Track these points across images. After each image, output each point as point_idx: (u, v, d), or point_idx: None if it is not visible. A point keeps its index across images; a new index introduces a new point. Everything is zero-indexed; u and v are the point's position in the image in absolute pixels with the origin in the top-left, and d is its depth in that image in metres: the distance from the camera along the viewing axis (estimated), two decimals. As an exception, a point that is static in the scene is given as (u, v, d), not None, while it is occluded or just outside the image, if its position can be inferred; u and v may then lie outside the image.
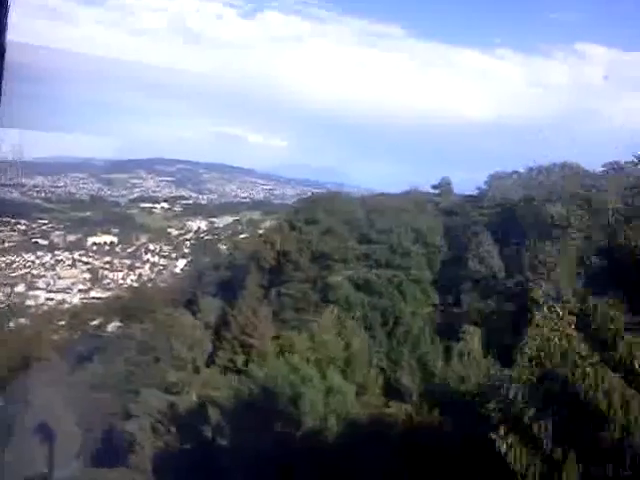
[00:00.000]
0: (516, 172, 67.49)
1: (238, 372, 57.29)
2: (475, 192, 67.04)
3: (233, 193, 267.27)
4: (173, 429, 51.93)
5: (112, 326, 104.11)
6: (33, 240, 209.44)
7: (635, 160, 59.56)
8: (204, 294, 74.98)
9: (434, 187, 70.15)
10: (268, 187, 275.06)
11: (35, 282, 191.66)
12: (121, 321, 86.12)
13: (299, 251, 58.19)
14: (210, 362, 60.76)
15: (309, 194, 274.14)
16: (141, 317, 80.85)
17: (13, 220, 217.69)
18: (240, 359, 56.62)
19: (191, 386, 51.91)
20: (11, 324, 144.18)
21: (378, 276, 57.83)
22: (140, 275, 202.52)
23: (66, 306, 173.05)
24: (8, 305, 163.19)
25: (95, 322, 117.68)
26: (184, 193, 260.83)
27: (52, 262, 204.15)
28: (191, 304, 76.02)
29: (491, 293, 58.12)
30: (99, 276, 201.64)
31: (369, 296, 58.65)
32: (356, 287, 58.63)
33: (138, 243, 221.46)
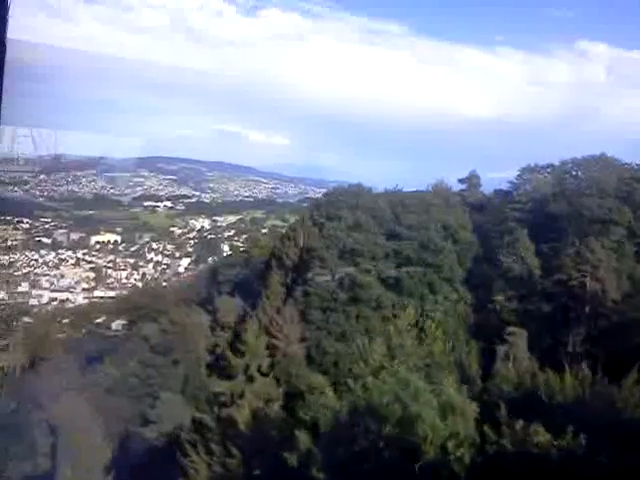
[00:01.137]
0: (550, 165, 63.60)
1: (265, 376, 53.63)
2: (506, 187, 63.42)
3: (235, 192, 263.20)
4: (234, 450, 40.68)
5: (122, 326, 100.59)
6: (36, 238, 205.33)
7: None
8: (220, 293, 71.22)
9: (461, 181, 66.30)
10: (270, 186, 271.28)
11: (39, 281, 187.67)
12: (132, 321, 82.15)
13: (325, 248, 54.20)
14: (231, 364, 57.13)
15: (311, 193, 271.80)
16: (154, 317, 77.23)
17: (16, 218, 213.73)
18: (265, 362, 52.92)
19: (242, 397, 45.15)
20: (15, 323, 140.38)
21: (408, 274, 54.10)
22: (144, 274, 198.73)
23: (70, 305, 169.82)
24: (12, 304, 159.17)
25: (104, 321, 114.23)
26: (186, 192, 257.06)
27: (55, 261, 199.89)
28: (206, 303, 72.32)
29: (528, 292, 54.50)
30: (103, 275, 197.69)
31: (399, 295, 55.00)
32: (385, 285, 54.91)
33: (141, 242, 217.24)
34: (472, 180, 65.87)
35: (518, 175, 62.04)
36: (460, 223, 58.74)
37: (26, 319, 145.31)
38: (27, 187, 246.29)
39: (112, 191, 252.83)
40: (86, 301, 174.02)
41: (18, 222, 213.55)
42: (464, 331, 53.92)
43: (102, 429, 48.32)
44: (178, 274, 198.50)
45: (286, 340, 52.09)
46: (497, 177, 69.92)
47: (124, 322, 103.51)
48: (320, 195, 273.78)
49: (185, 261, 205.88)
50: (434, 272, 54.90)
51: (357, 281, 52.29)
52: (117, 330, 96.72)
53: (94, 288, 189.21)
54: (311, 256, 55.05)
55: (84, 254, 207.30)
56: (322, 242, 54.74)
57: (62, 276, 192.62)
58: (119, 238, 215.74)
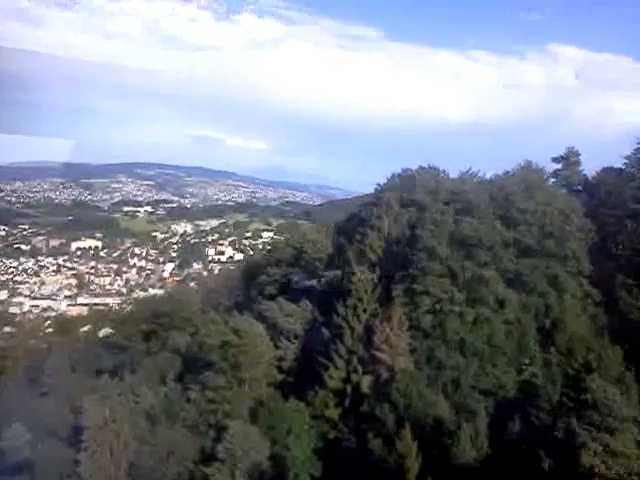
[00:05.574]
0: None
1: (362, 397, 39.82)
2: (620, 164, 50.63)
3: (215, 196, 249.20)
4: None
5: (110, 334, 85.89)
6: (15, 246, 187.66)
7: None
8: (265, 296, 57.05)
9: (555, 160, 53.12)
10: (250, 190, 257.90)
11: (19, 289, 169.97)
12: (151, 331, 66.74)
13: (433, 236, 40.68)
14: (307, 382, 43.11)
15: (291, 196, 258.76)
16: (179, 325, 62.77)
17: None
18: (365, 381, 39.26)
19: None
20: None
21: (529, 267, 40.93)
22: (127, 280, 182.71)
23: (52, 314, 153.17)
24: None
25: (90, 330, 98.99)
26: (165, 197, 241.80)
27: (35, 268, 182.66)
28: (243, 308, 58.07)
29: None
30: (85, 281, 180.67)
31: (518, 293, 41.96)
32: (506, 281, 41.57)
33: (123, 247, 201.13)
34: (570, 158, 53.05)
35: (636, 149, 49.33)
36: (569, 206, 46.38)
37: (7, 328, 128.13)
38: (2, 194, 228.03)
39: (90, 197, 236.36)
40: (70, 308, 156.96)
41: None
42: (601, 338, 41.15)
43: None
44: (163, 279, 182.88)
45: (391, 351, 38.72)
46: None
47: (111, 330, 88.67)
48: (299, 199, 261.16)
49: (169, 266, 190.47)
50: (558, 264, 42.27)
51: (477, 276, 39.03)
52: (105, 338, 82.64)
53: (77, 295, 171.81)
54: (412, 246, 41.63)
55: (65, 260, 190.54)
56: (428, 230, 41.24)
57: (43, 283, 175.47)
58: (100, 244, 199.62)
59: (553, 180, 52.44)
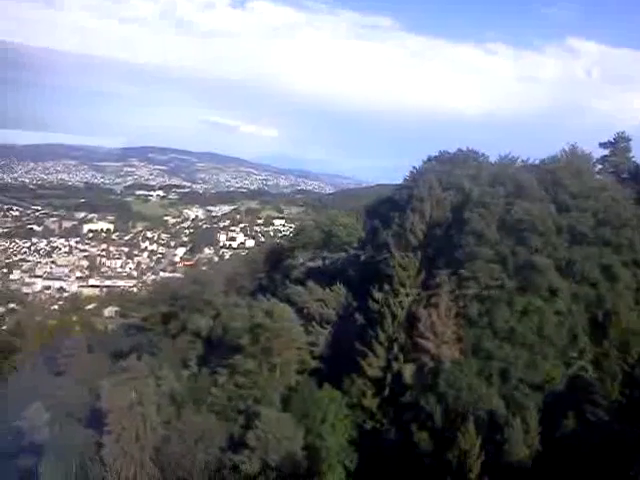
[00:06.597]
0: None
1: (404, 387, 37.09)
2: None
3: (227, 183, 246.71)
4: None
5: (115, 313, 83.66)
6: (28, 226, 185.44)
7: None
8: (292, 280, 54.08)
9: (603, 145, 49.71)
10: (261, 177, 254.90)
11: (31, 269, 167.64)
12: (170, 313, 63.85)
13: (482, 219, 37.87)
14: (342, 370, 40.38)
15: (302, 185, 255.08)
16: (199, 308, 59.66)
17: (6, 206, 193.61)
18: (407, 369, 36.57)
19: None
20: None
21: (584, 256, 38.14)
22: (139, 263, 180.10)
23: (64, 294, 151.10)
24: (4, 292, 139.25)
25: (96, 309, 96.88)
26: (177, 182, 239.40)
27: (47, 249, 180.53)
28: (266, 292, 55.01)
29: None
30: (97, 264, 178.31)
31: (569, 282, 39.10)
32: (557, 269, 38.81)
33: (135, 231, 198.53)
34: (620, 144, 49.58)
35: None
36: (621, 193, 43.39)
37: (20, 307, 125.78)
38: (16, 175, 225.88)
39: (103, 180, 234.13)
40: (81, 290, 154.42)
41: (8, 209, 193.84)
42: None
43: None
44: (174, 263, 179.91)
45: (436, 339, 35.99)
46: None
47: (116, 309, 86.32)
48: (311, 187, 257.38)
49: (181, 250, 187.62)
50: (613, 253, 39.44)
51: (529, 263, 36.18)
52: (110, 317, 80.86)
53: (89, 277, 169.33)
54: (458, 230, 38.80)
55: (77, 242, 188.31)
56: (476, 213, 38.32)
57: (55, 264, 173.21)
58: (112, 227, 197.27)
59: (600, 166, 49.19)
